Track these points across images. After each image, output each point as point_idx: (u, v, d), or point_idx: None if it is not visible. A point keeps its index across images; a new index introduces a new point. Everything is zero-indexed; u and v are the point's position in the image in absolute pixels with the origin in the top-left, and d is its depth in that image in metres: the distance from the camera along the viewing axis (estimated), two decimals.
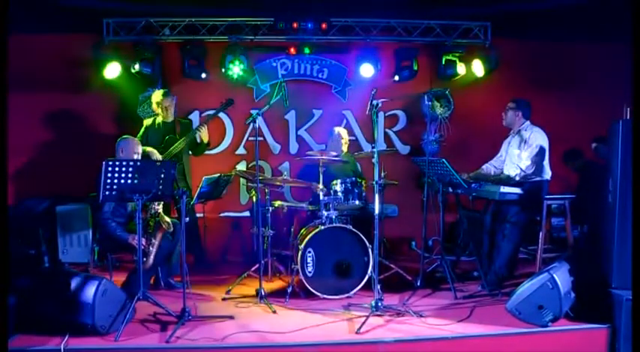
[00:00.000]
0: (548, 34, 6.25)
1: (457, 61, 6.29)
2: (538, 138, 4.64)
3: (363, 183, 4.93)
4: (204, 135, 5.36)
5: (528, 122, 4.78)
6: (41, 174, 6.02)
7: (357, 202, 4.78)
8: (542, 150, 4.62)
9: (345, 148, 5.59)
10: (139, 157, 4.53)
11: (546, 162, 4.69)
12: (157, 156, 4.96)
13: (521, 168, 4.60)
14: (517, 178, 4.62)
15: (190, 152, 5.54)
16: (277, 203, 5.08)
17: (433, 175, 4.68)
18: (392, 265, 4.99)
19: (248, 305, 4.33)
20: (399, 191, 5.69)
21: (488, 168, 5.01)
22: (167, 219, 4.36)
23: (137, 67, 5.90)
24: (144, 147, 4.81)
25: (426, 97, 4.64)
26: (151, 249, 4.26)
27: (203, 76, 6.19)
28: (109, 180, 3.77)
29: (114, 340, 3.54)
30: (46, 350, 3.42)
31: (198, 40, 6.16)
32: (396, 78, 6.38)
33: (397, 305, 4.25)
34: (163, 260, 4.55)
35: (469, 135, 6.50)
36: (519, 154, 4.69)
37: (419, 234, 5.06)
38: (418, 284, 4.58)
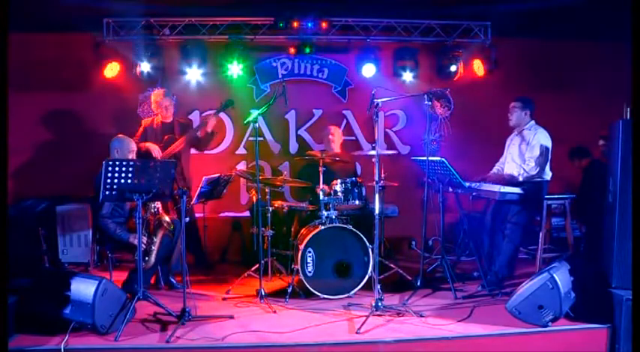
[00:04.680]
0: (548, 34, 6.25)
1: (457, 61, 6.30)
2: (542, 138, 4.63)
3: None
4: (210, 125, 5.29)
5: (533, 122, 4.77)
6: (41, 174, 6.02)
7: (357, 202, 4.78)
8: (546, 150, 4.61)
9: (336, 147, 5.58)
10: (134, 156, 4.53)
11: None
12: (157, 151, 4.95)
13: (524, 169, 4.60)
14: (520, 178, 4.62)
15: (194, 149, 5.52)
16: (277, 203, 5.08)
17: (433, 175, 4.67)
18: (392, 265, 4.99)
19: (248, 305, 4.33)
20: (399, 191, 5.69)
21: (500, 170, 4.99)
22: (167, 217, 4.36)
23: (142, 67, 5.91)
24: (144, 144, 4.81)
25: (426, 97, 4.62)
26: (152, 247, 4.26)
27: (203, 76, 6.19)
28: (109, 180, 3.77)
29: (114, 340, 3.54)
30: (46, 350, 3.42)
31: (198, 40, 6.16)
32: (396, 78, 6.37)
33: (397, 305, 4.24)
34: (164, 259, 4.55)
35: (469, 135, 6.49)
36: (520, 155, 4.69)
37: (419, 234, 5.06)
38: (418, 284, 4.58)
